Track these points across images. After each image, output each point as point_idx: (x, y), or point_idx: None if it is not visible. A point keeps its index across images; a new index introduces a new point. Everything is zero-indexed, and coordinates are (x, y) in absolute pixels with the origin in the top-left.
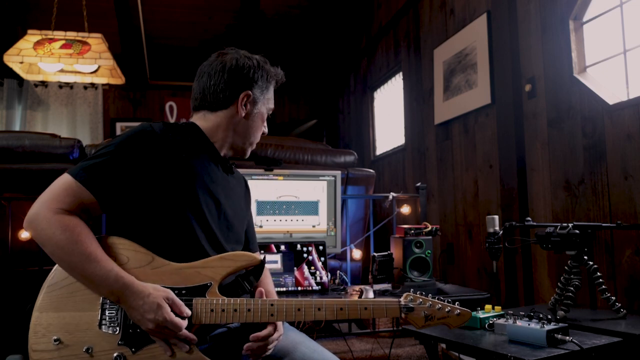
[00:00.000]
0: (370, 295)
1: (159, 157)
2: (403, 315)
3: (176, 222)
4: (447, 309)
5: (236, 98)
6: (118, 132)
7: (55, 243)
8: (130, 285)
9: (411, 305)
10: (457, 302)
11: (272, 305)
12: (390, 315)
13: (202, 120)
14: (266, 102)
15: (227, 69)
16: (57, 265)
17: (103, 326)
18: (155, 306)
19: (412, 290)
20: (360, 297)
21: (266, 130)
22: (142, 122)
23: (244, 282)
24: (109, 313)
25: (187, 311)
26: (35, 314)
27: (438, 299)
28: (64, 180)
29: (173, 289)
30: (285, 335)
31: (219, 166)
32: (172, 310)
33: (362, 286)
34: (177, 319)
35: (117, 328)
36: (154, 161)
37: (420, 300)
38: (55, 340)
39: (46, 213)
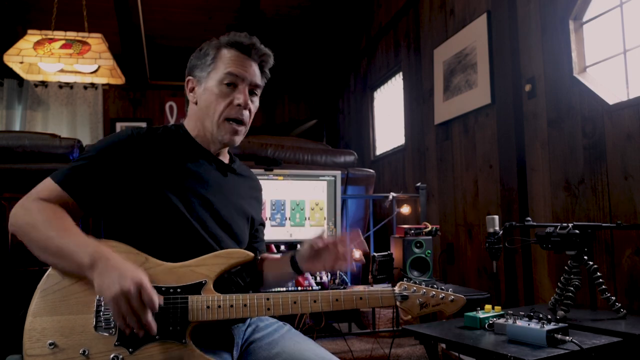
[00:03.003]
0: None
1: (138, 163)
2: (398, 303)
3: (163, 224)
4: (441, 296)
5: (186, 89)
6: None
7: (32, 224)
8: (107, 251)
9: (406, 294)
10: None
11: (267, 299)
12: (385, 304)
13: (186, 120)
14: (214, 74)
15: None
16: (50, 269)
17: (99, 328)
18: (135, 276)
19: (405, 279)
20: None
21: (239, 100)
22: (141, 122)
23: (237, 278)
24: (104, 315)
25: (157, 300)
26: (29, 318)
27: (431, 286)
28: (45, 182)
29: (168, 288)
30: (292, 340)
31: (212, 165)
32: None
33: (363, 286)
34: (155, 295)
35: (113, 329)
36: (133, 167)
37: (415, 288)
38: (50, 344)
39: (24, 202)
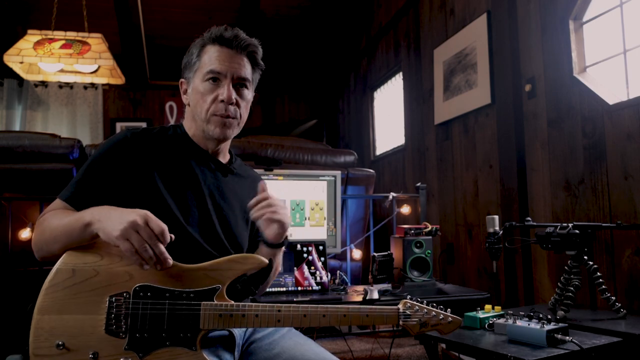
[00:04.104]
0: (375, 295)
1: (135, 164)
2: (401, 322)
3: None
4: (440, 316)
5: (180, 92)
6: (118, 132)
7: (42, 230)
8: (105, 206)
9: (409, 313)
10: (447, 310)
11: (279, 311)
12: (389, 323)
13: (184, 120)
14: (199, 73)
15: None
16: (57, 265)
17: (109, 330)
18: (139, 211)
19: (408, 296)
20: (365, 297)
21: (222, 96)
22: (141, 122)
23: (249, 285)
24: (115, 316)
25: (165, 227)
26: (36, 316)
27: (432, 305)
28: (54, 202)
29: (181, 293)
30: (293, 340)
31: (210, 166)
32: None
33: (366, 286)
34: (163, 224)
35: (124, 332)
36: (130, 168)
37: (417, 307)
38: (58, 345)
39: (37, 221)
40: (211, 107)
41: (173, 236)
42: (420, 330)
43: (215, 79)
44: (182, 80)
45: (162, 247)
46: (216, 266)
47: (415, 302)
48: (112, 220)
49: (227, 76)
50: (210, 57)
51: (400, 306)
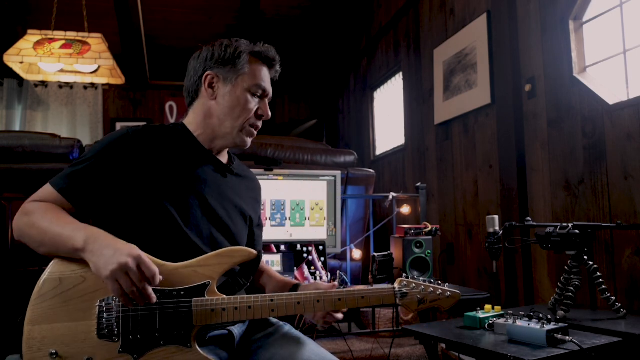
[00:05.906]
0: None
1: (136, 162)
2: (398, 301)
3: (156, 226)
4: (438, 292)
5: (202, 83)
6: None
7: (30, 223)
8: (100, 232)
9: (405, 291)
10: (446, 285)
11: (272, 300)
12: (386, 302)
13: (188, 117)
14: (244, 79)
15: (193, 59)
16: (43, 276)
17: (101, 335)
18: (132, 251)
19: (403, 274)
20: None
21: (263, 112)
22: (141, 122)
23: (240, 278)
24: (106, 321)
25: (157, 270)
26: (27, 327)
27: (429, 282)
28: (45, 188)
29: (171, 291)
30: (292, 340)
31: (211, 166)
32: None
33: (365, 286)
34: (154, 267)
35: (117, 335)
36: (130, 166)
37: (414, 284)
38: (52, 354)
39: (23, 206)
40: (250, 119)
41: (162, 277)
42: (419, 307)
43: (262, 95)
44: (210, 72)
45: (150, 290)
46: (204, 262)
47: (411, 280)
48: (103, 257)
49: (267, 95)
50: (258, 73)
51: (395, 285)
